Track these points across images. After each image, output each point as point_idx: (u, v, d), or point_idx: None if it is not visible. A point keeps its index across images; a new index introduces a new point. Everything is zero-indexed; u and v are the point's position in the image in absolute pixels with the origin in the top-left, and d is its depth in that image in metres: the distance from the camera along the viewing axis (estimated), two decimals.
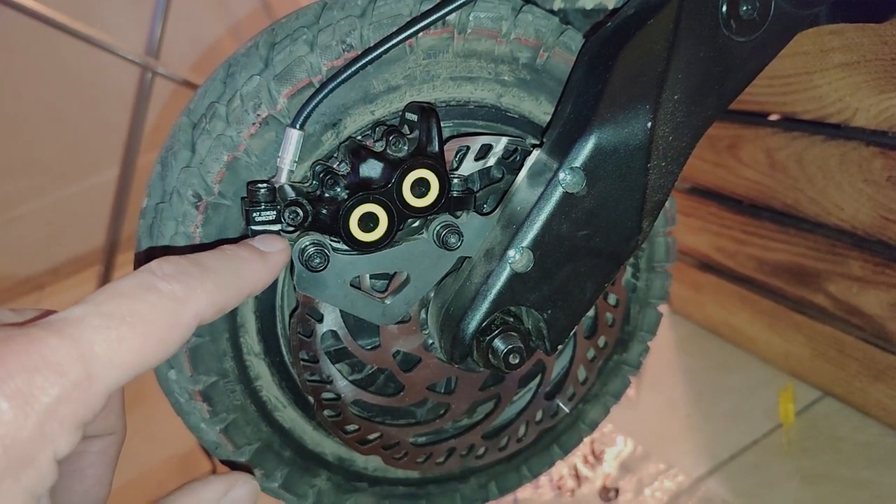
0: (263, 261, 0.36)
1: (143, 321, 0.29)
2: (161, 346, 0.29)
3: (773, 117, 0.85)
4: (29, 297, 2.02)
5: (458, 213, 0.46)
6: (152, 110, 1.50)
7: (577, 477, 0.92)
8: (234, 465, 0.51)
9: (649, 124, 0.44)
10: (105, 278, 1.56)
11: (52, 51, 1.85)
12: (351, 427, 0.52)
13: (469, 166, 0.48)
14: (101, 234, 1.57)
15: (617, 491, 0.89)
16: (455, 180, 0.46)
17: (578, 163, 0.44)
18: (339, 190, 0.43)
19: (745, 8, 0.46)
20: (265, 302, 0.48)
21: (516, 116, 0.51)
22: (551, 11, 0.60)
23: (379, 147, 0.44)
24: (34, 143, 1.96)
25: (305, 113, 0.43)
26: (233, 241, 0.38)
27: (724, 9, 0.45)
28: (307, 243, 0.42)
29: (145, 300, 0.29)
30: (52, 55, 1.86)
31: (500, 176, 0.51)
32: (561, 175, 0.44)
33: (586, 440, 0.70)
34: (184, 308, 0.30)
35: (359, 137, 0.47)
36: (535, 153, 0.47)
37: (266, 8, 1.99)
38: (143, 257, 0.47)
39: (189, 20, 1.90)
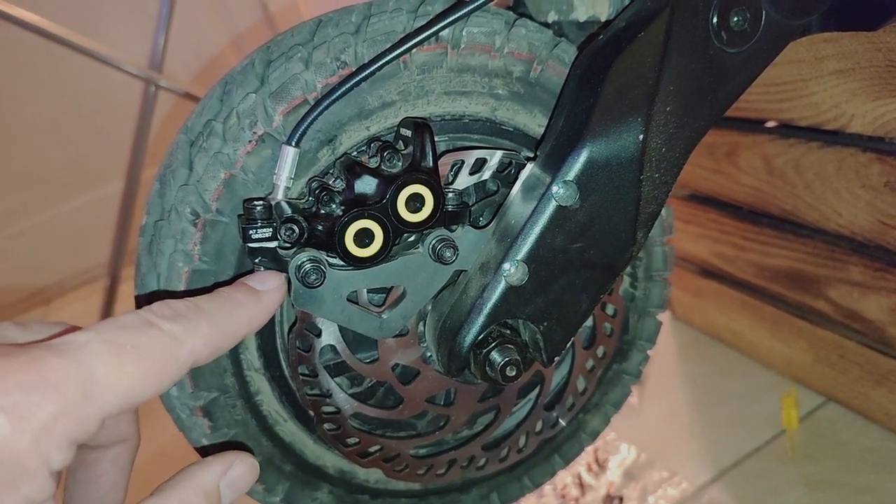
0: (258, 302, 0.37)
1: (143, 352, 0.30)
2: (156, 378, 0.31)
3: (771, 124, 0.85)
4: (35, 311, 2.03)
5: (454, 227, 0.46)
6: (156, 123, 1.51)
7: (581, 485, 0.92)
8: (226, 446, 0.51)
9: (641, 136, 0.44)
10: (111, 291, 1.57)
11: (55, 65, 1.87)
12: (351, 440, 0.52)
13: (464, 180, 0.48)
14: (106, 247, 1.59)
15: (621, 499, 0.89)
16: (450, 194, 0.46)
17: (571, 176, 0.44)
18: (334, 206, 0.43)
19: (735, 19, 0.46)
20: None
21: (511, 129, 0.51)
22: (545, 24, 0.60)
23: (374, 163, 0.45)
24: (39, 157, 1.97)
25: (301, 130, 0.43)
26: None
27: (715, 21, 0.46)
28: (303, 259, 0.42)
29: (146, 334, 0.31)
30: (55, 70, 1.88)
31: (495, 189, 0.51)
32: (554, 188, 0.44)
33: (589, 448, 0.70)
34: (180, 347, 0.32)
35: (354, 153, 0.47)
36: (529, 167, 0.47)
37: (268, 20, 2.00)
38: (145, 300, 0.48)
39: (191, 33, 1.92)
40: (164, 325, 0.32)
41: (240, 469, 0.35)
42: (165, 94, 1.49)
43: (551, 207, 0.44)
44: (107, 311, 1.57)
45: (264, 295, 0.38)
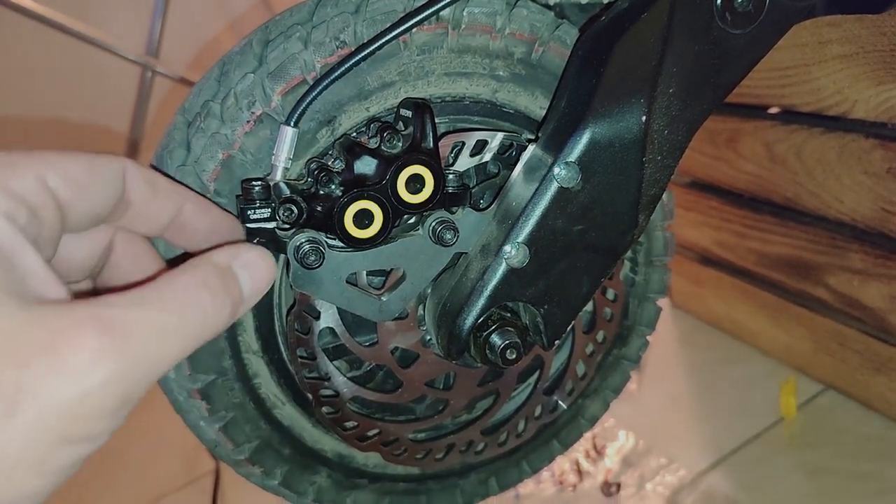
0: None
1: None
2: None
3: (772, 110, 0.85)
4: None
5: (454, 208, 0.46)
6: (153, 109, 1.50)
7: (579, 472, 0.92)
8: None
9: (644, 118, 0.44)
10: None
11: (51, 51, 1.85)
12: (350, 424, 0.52)
13: (464, 162, 0.48)
14: None
15: (619, 486, 0.89)
16: (450, 176, 0.45)
17: (573, 157, 0.43)
18: (333, 187, 0.43)
19: (739, 0, 0.46)
20: (263, 300, 0.48)
21: (512, 111, 0.51)
22: (547, 6, 0.60)
23: (374, 144, 0.44)
24: (34, 145, 1.96)
25: (300, 110, 0.43)
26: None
27: (719, 1, 0.45)
28: (302, 240, 0.42)
29: None
30: (51, 55, 1.87)
31: (496, 171, 0.51)
32: (556, 170, 0.44)
33: (588, 435, 0.70)
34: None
35: (353, 134, 0.47)
36: (531, 148, 0.47)
37: (265, 4, 1.99)
38: None
39: (188, 18, 1.90)
40: None
41: (250, 254, 0.35)
42: (163, 80, 1.48)
43: (553, 189, 0.44)
44: None
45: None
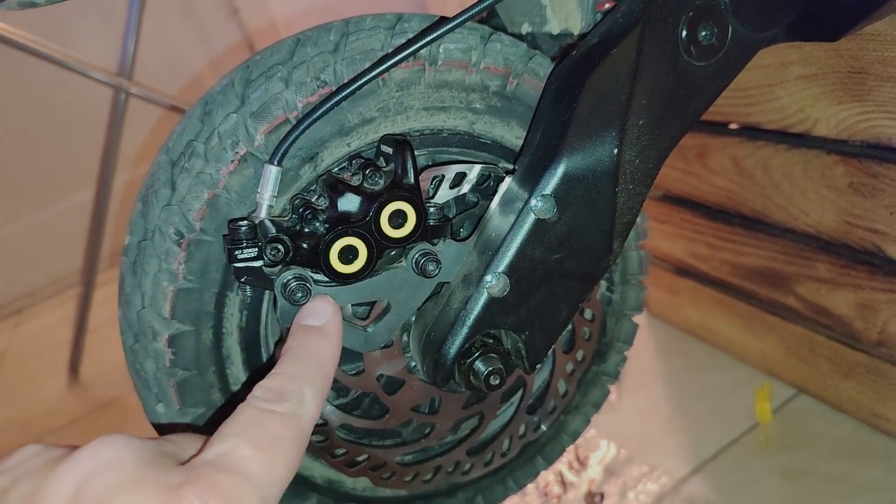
0: (328, 338, 0.41)
1: (280, 440, 0.34)
2: (298, 455, 0.35)
3: (732, 126, 0.87)
4: (7, 322, 2.00)
5: (435, 240, 0.47)
6: (127, 130, 1.49)
7: (563, 483, 0.94)
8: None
9: (615, 150, 0.46)
10: (85, 298, 1.54)
11: (22, 73, 1.83)
12: (339, 451, 0.53)
13: (444, 194, 0.49)
14: (78, 256, 1.56)
15: (602, 495, 0.91)
16: (431, 209, 0.47)
17: (549, 190, 0.45)
18: (318, 224, 0.44)
19: (703, 34, 0.48)
20: (250, 333, 0.49)
21: (489, 142, 0.52)
22: (519, 35, 0.62)
23: (356, 181, 0.45)
24: (7, 167, 1.94)
25: (283, 149, 0.44)
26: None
27: (684, 35, 0.47)
28: (289, 277, 0.43)
29: (272, 422, 0.34)
30: (22, 77, 1.85)
31: (475, 201, 0.52)
32: (532, 202, 0.45)
33: (570, 446, 0.72)
34: (301, 420, 0.36)
35: (336, 170, 0.48)
36: (508, 181, 0.48)
37: (237, 18, 1.99)
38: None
39: (161, 38, 1.90)
40: (279, 409, 0.35)
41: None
42: (136, 100, 1.47)
43: (530, 220, 0.45)
44: (81, 318, 1.54)
45: (327, 328, 0.41)
